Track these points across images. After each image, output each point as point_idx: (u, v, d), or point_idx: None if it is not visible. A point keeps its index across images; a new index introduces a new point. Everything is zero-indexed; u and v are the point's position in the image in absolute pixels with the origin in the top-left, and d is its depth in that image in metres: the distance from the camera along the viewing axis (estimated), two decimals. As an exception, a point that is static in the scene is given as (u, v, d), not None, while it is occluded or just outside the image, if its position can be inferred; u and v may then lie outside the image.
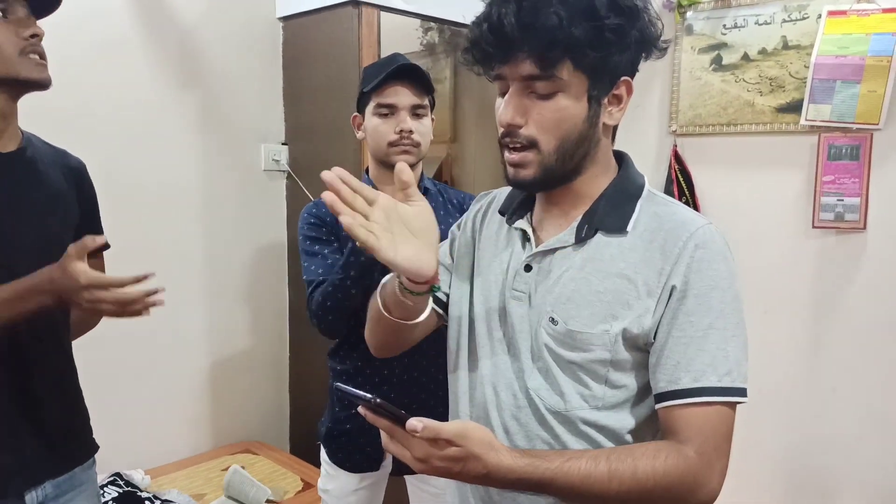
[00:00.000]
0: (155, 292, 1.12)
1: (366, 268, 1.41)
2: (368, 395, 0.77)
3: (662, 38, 0.94)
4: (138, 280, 1.11)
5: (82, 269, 1.08)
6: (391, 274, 0.99)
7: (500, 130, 0.92)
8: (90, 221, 1.38)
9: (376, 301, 1.01)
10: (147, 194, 2.16)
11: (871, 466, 2.04)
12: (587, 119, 0.90)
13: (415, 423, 0.76)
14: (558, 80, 0.87)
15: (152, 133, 2.16)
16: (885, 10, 1.89)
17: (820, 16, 2.00)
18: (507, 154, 0.93)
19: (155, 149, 2.17)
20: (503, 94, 0.92)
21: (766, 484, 2.24)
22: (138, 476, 2.12)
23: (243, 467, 2.15)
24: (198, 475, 2.22)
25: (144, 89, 2.13)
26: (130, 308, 1.12)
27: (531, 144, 0.90)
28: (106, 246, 1.45)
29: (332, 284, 1.45)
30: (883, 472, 2.02)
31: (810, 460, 2.16)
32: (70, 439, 1.32)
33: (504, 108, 0.91)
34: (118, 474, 2.10)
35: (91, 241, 1.09)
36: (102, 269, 1.46)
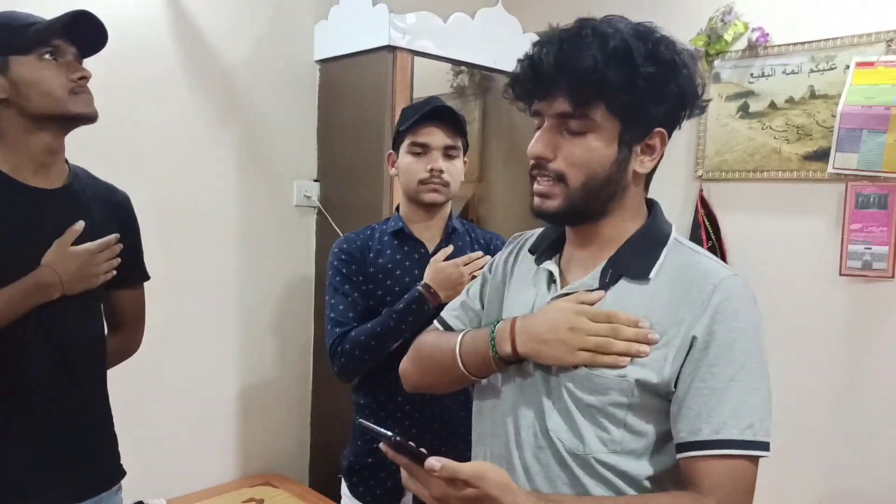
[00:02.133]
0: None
1: (426, 317, 1.44)
2: (389, 433, 0.79)
3: (704, 97, 0.97)
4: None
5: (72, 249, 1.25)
6: (469, 332, 1.04)
7: (531, 163, 0.96)
8: (133, 254, 1.43)
9: (453, 358, 1.03)
10: (187, 227, 2.23)
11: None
12: (616, 163, 0.93)
13: (433, 462, 0.77)
14: (591, 120, 0.90)
15: (194, 168, 2.23)
16: (912, 62, 1.90)
17: (848, 66, 2.02)
18: (534, 185, 0.96)
19: (196, 183, 2.24)
20: (539, 129, 0.96)
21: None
22: (160, 505, 2.13)
23: (261, 501, 2.15)
24: (219, 506, 2.23)
25: (188, 126, 2.21)
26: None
27: (559, 178, 0.93)
28: (146, 277, 1.51)
29: (371, 334, 1.49)
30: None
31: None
32: (98, 464, 1.35)
33: (535, 141, 0.94)
34: (140, 503, 2.12)
35: (74, 230, 1.26)
36: (142, 300, 1.51)
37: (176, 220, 2.19)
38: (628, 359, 0.89)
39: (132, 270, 1.45)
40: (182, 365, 2.26)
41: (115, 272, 1.34)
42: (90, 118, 1.27)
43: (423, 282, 1.52)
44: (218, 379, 2.37)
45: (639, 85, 0.88)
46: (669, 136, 0.97)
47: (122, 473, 1.42)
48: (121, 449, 1.44)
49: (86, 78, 1.25)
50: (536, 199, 0.96)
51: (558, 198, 0.93)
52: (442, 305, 1.45)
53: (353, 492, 1.64)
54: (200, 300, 2.29)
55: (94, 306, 1.37)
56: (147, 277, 1.52)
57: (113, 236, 1.32)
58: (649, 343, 0.89)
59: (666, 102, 0.92)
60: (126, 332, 1.50)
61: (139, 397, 2.11)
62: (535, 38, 0.94)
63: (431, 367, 1.10)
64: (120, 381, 1.50)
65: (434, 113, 1.55)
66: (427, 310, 1.48)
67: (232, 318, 2.38)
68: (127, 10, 2.03)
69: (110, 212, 1.37)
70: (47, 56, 1.20)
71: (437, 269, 1.52)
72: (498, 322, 1.00)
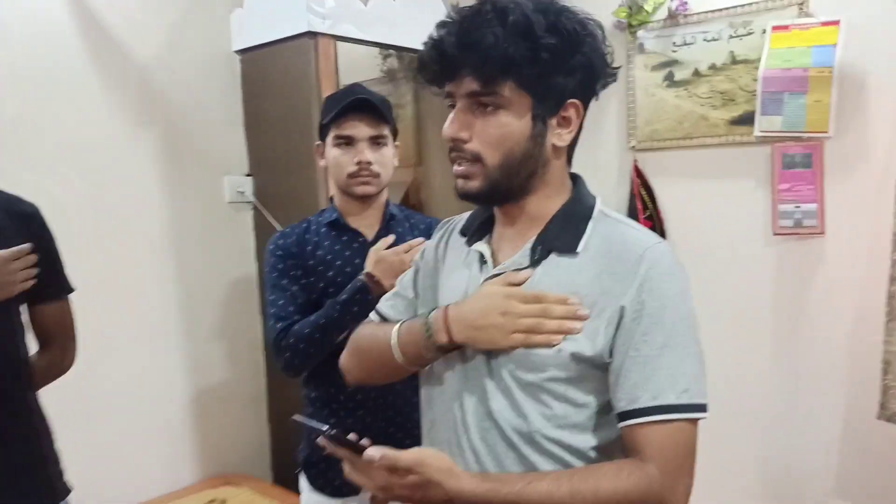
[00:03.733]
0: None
1: (370, 306, 1.42)
2: (324, 427, 0.78)
3: (613, 66, 0.97)
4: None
5: None
6: (405, 323, 1.03)
7: (448, 145, 0.96)
8: (51, 264, 1.37)
9: (389, 348, 1.02)
10: (111, 233, 2.15)
11: (849, 469, 2.07)
12: (531, 137, 0.93)
13: (372, 452, 0.76)
14: (500, 96, 0.90)
15: (113, 171, 2.14)
16: (824, 24, 1.96)
17: (764, 31, 2.07)
18: (455, 167, 0.96)
19: (116, 187, 2.15)
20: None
21: (742, 494, 2.26)
22: (115, 518, 2.07)
23: (223, 501, 2.12)
24: (178, 512, 2.19)
25: (102, 126, 2.11)
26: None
27: (476, 158, 0.93)
28: (70, 289, 1.45)
29: (315, 327, 1.47)
30: (861, 473, 2.05)
31: (782, 467, 2.19)
32: (35, 485, 1.30)
33: (449, 123, 0.94)
34: (93, 517, 2.06)
35: None
36: (68, 313, 1.46)
37: (101, 226, 2.11)
38: (560, 336, 0.90)
39: (53, 282, 1.39)
40: (127, 373, 2.19)
41: (33, 282, 1.28)
42: None
43: (365, 271, 1.50)
44: (165, 385, 2.32)
45: (542, 57, 0.88)
46: (586, 107, 0.97)
47: (67, 490, 1.38)
48: (70, 463, 1.39)
49: None
50: (458, 181, 0.96)
51: (478, 178, 0.94)
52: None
53: (313, 484, 1.63)
54: (138, 308, 2.22)
55: (10, 323, 1.31)
56: (71, 289, 1.46)
57: (26, 245, 1.26)
58: (579, 319, 0.90)
59: (574, 73, 0.92)
60: (56, 348, 1.44)
61: (85, 409, 2.05)
62: None
63: (371, 360, 1.09)
64: (63, 395, 1.45)
65: (355, 104, 1.52)
66: (371, 299, 1.46)
67: (174, 322, 2.32)
68: (28, 7, 1.92)
69: (18, 223, 1.31)
70: None
71: (378, 258, 1.50)
72: (431, 311, 0.99)
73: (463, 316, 0.94)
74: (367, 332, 1.13)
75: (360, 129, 1.53)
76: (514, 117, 0.91)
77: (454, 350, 0.97)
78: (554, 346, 0.90)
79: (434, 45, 0.92)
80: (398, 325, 1.04)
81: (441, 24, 0.92)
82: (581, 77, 0.93)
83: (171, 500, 2.25)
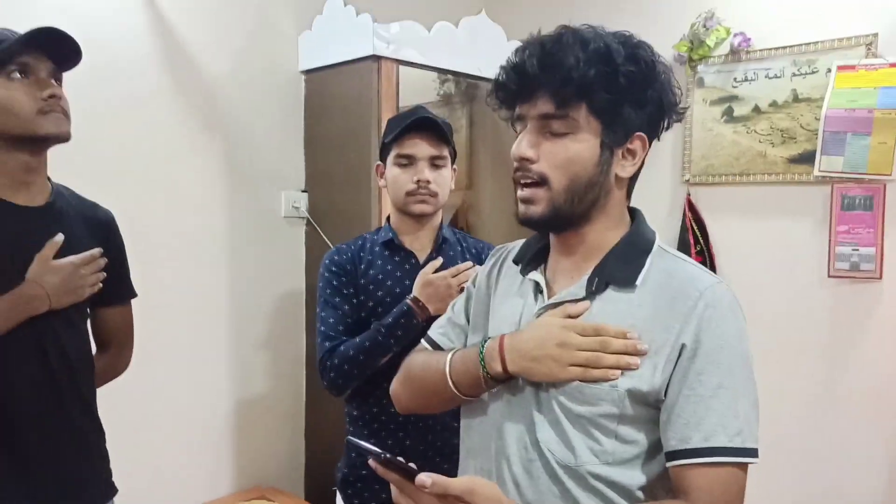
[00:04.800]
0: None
1: (416, 331, 1.44)
2: (378, 450, 0.79)
3: (681, 106, 0.98)
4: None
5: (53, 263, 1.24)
6: (458, 352, 1.03)
7: (514, 166, 0.96)
8: (118, 270, 1.42)
9: (443, 376, 1.02)
10: (173, 242, 2.21)
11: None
12: (598, 164, 0.93)
13: (424, 478, 0.76)
14: (572, 120, 0.91)
15: (178, 182, 2.22)
16: (892, 65, 1.92)
17: (829, 70, 2.04)
18: (518, 191, 0.96)
19: (181, 197, 2.23)
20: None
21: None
22: (153, 522, 2.11)
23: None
24: (212, 521, 2.21)
25: (172, 140, 2.19)
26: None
27: (542, 181, 0.93)
28: (133, 294, 1.50)
29: (360, 349, 1.49)
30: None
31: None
32: (87, 482, 1.34)
33: (518, 143, 0.95)
34: (133, 520, 2.10)
35: (54, 242, 1.25)
36: (130, 317, 1.50)
37: (162, 236, 2.18)
38: (619, 371, 0.89)
39: (118, 287, 1.44)
40: (174, 381, 2.24)
41: (101, 286, 1.33)
42: (60, 138, 1.24)
43: (411, 295, 1.51)
44: (210, 393, 2.35)
45: (619, 83, 0.90)
46: (650, 144, 0.98)
47: (114, 491, 1.41)
48: (113, 466, 1.43)
49: (56, 96, 1.22)
50: (521, 206, 0.96)
51: (542, 202, 0.94)
52: (432, 318, 1.45)
53: (348, 503, 1.63)
54: (190, 315, 2.27)
55: (80, 323, 1.36)
56: (134, 294, 1.51)
57: (97, 250, 1.31)
58: (638, 354, 0.89)
59: (645, 106, 0.93)
60: (114, 350, 1.49)
61: (131, 414, 2.09)
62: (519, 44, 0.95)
63: (422, 389, 1.09)
64: (112, 398, 1.49)
65: (418, 123, 1.55)
66: (416, 323, 1.48)
67: (222, 333, 2.37)
68: (106, 23, 2.01)
69: (93, 228, 1.36)
70: (16, 74, 1.18)
71: (425, 282, 1.51)
72: (486, 340, 0.99)
73: (519, 346, 0.94)
74: (419, 360, 1.12)
75: (422, 148, 1.55)
76: (583, 143, 0.92)
77: (508, 381, 0.97)
78: (611, 380, 0.89)
79: (514, 65, 0.93)
80: (451, 354, 1.04)
81: (521, 48, 0.93)
82: (651, 111, 0.94)
83: (208, 510, 2.29)
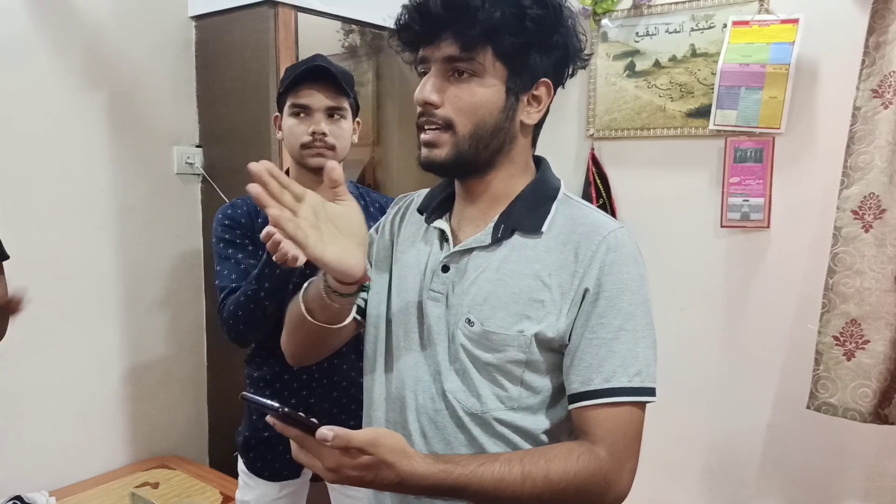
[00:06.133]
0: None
1: (281, 280, 1.37)
2: (276, 405, 0.75)
3: (585, 52, 0.97)
4: None
5: None
6: (315, 277, 0.98)
7: (418, 111, 0.93)
8: None
9: (298, 306, 0.98)
10: (52, 202, 2.04)
11: (782, 452, 2.15)
12: (504, 110, 0.91)
13: (325, 431, 0.74)
14: (478, 64, 0.88)
15: (57, 138, 2.04)
16: (783, 21, 2.00)
17: (725, 25, 2.09)
18: (421, 135, 0.93)
19: (60, 155, 2.05)
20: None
21: (689, 475, 2.32)
22: (42, 499, 1.98)
23: (156, 484, 2.05)
24: (109, 494, 2.11)
25: (47, 92, 2.01)
26: None
27: (447, 125, 0.91)
28: (4, 256, 1.38)
29: (245, 295, 1.41)
30: (793, 457, 2.13)
31: (729, 449, 2.25)
32: None
33: (422, 87, 0.91)
34: (18, 497, 1.97)
35: None
36: (3, 281, 1.38)
37: (43, 197, 2.01)
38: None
39: None
40: (60, 349, 2.10)
41: None
42: None
43: None
44: (101, 361, 2.23)
45: (526, 27, 0.87)
46: (555, 91, 0.96)
47: None
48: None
49: None
50: (424, 150, 0.93)
51: (446, 146, 0.91)
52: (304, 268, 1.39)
53: (251, 468, 1.59)
54: (76, 280, 2.12)
55: None
56: (6, 257, 1.38)
57: None
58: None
59: (551, 52, 0.92)
60: None
61: (13, 386, 1.96)
62: None
63: (291, 329, 1.06)
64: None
65: (313, 72, 1.47)
66: (279, 273, 1.37)
67: (113, 297, 2.23)
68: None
69: None
70: None
71: None
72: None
73: None
74: (291, 302, 1.08)
75: (317, 99, 1.48)
76: (488, 88, 0.90)
77: (355, 294, 0.93)
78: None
79: (417, 5, 0.89)
80: (308, 282, 1.00)
81: None
82: (557, 57, 0.93)
83: (102, 482, 2.18)
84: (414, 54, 0.94)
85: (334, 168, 0.86)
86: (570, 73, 0.97)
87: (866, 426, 1.88)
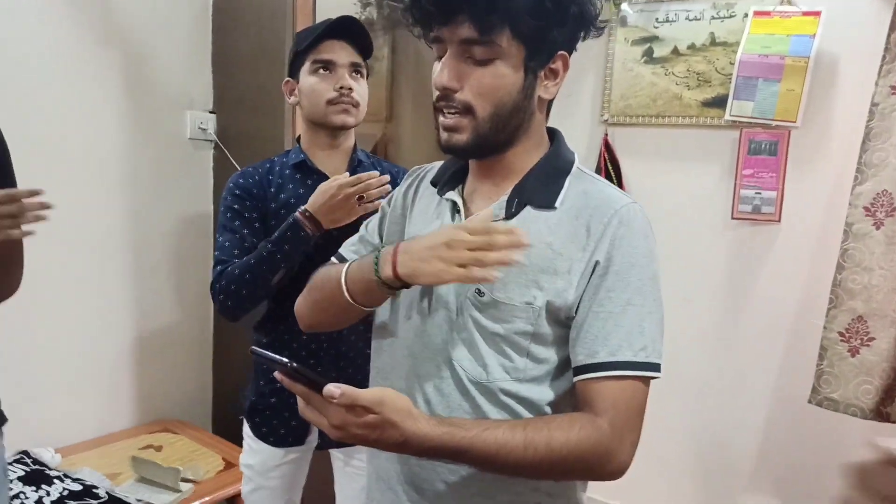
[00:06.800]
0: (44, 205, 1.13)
1: (299, 246, 1.36)
2: (285, 360, 0.75)
3: (600, 19, 0.95)
4: (32, 193, 1.13)
5: None
6: (356, 261, 0.98)
7: (435, 94, 0.92)
8: (2, 172, 1.30)
9: (338, 284, 0.97)
10: (67, 164, 2.05)
11: (777, 446, 2.16)
12: (523, 89, 0.91)
13: (332, 388, 0.75)
14: (496, 46, 0.87)
15: (71, 99, 2.04)
16: (805, 13, 1.98)
17: (746, 15, 2.07)
18: (441, 118, 0.92)
19: (75, 115, 2.05)
20: (440, 58, 0.92)
21: (678, 463, 2.33)
22: (48, 455, 2.02)
23: (159, 448, 2.07)
24: (112, 454, 2.14)
25: (63, 56, 2.00)
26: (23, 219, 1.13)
27: (466, 110, 0.90)
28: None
29: (246, 267, 1.40)
30: (788, 451, 2.14)
31: (716, 437, 2.26)
32: None
33: (440, 72, 0.90)
34: (25, 452, 2.00)
35: None
36: None
37: (53, 156, 2.01)
38: (498, 275, 0.85)
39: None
40: (71, 309, 2.12)
41: None
42: None
43: (301, 207, 1.41)
44: (109, 325, 2.25)
45: (545, 7, 0.86)
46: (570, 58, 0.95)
47: (3, 420, 1.32)
48: (4, 396, 1.33)
49: None
50: (444, 134, 0.93)
51: (467, 131, 0.91)
52: (328, 233, 1.39)
53: (256, 432, 1.59)
54: (86, 241, 2.14)
55: None
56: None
57: None
58: (521, 246, 0.84)
59: (567, 24, 0.90)
60: (0, 270, 1.36)
61: (25, 343, 1.98)
62: None
63: (321, 300, 1.06)
64: (4, 325, 1.38)
65: (339, 26, 1.44)
66: (304, 236, 1.39)
67: (122, 260, 2.25)
68: None
69: None
70: None
71: (321, 191, 1.40)
72: (385, 246, 0.95)
73: (410, 248, 0.89)
74: (321, 272, 1.08)
75: (343, 54, 1.45)
76: (508, 69, 0.89)
77: (401, 289, 0.93)
78: (490, 282, 0.86)
79: None
80: (350, 262, 1.00)
81: None
82: (572, 28, 0.92)
83: (105, 443, 2.21)
84: (427, 31, 0.92)
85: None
86: (582, 37, 0.96)
87: (864, 423, 1.88)
